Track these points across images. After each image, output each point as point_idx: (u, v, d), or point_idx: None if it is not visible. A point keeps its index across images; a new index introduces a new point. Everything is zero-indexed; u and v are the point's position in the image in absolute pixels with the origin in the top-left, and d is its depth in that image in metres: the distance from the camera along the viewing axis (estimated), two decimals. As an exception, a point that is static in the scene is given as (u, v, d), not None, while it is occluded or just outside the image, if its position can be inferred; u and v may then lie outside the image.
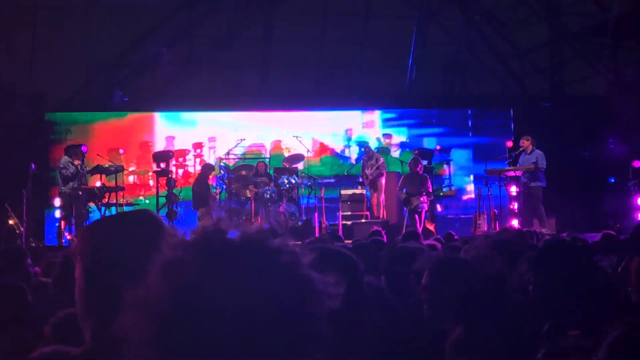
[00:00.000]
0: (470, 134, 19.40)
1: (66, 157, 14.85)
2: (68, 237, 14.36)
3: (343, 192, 16.72)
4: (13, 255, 5.05)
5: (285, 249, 1.33)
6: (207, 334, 1.22)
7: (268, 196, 15.73)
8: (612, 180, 17.42)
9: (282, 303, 1.26)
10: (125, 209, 16.05)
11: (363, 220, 15.70)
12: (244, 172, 16.72)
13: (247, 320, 1.22)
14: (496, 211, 15.48)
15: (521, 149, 15.20)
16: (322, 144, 18.90)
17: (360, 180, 17.00)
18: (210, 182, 16.07)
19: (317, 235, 14.60)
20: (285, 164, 17.10)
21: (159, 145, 18.13)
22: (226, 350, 1.21)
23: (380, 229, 11.14)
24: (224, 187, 16.21)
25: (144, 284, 1.27)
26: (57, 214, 15.12)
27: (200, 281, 1.24)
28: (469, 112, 19.66)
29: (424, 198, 14.88)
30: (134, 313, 1.26)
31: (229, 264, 1.27)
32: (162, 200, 16.01)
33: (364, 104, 19.34)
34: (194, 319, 1.22)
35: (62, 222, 14.63)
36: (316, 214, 15.76)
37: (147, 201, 17.82)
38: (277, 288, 1.26)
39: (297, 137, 17.32)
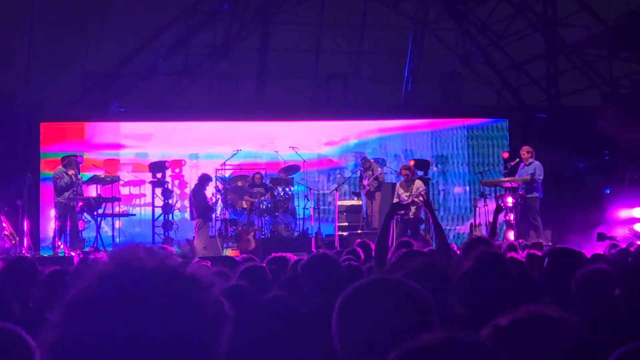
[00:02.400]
0: (466, 144, 19.39)
1: (61, 167, 14.80)
2: (63, 248, 14.31)
3: (340, 203, 16.70)
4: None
5: (201, 278, 1.33)
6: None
7: (264, 207, 15.71)
8: (608, 192, 17.44)
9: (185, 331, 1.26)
10: (121, 219, 16.03)
11: (359, 231, 15.68)
12: (240, 183, 16.70)
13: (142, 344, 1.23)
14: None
15: (518, 160, 15.21)
16: (318, 155, 18.88)
17: (357, 191, 16.98)
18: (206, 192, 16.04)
19: (313, 246, 14.59)
20: (282, 175, 17.09)
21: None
22: None
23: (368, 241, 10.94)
24: (221, 197, 16.19)
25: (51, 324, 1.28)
26: (52, 224, 15.07)
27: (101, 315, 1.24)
28: (465, 122, 19.67)
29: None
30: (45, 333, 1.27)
31: (142, 291, 1.27)
32: (158, 210, 15.99)
33: (360, 114, 19.34)
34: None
35: (58, 233, 14.57)
36: (312, 225, 15.74)
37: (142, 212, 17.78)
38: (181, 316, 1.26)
39: (293, 147, 17.32)
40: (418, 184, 15.00)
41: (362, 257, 7.38)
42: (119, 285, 1.27)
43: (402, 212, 14.33)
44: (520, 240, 12.20)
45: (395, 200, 15.01)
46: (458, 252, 7.87)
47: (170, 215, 16.03)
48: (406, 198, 14.75)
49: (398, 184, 15.33)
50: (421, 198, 14.88)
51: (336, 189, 16.74)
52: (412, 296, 1.99)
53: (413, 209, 14.75)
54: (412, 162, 16.57)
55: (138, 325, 1.23)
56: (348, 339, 1.93)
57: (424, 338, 1.39)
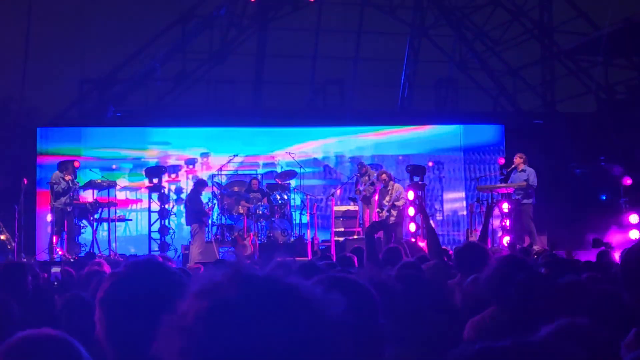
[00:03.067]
0: (462, 150, 19.42)
1: (58, 172, 14.80)
2: (60, 253, 14.31)
3: (336, 208, 16.71)
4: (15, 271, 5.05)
5: (315, 292, 1.35)
6: None
7: (260, 212, 15.73)
8: (604, 198, 17.46)
9: (310, 346, 1.28)
10: (117, 224, 16.03)
11: (355, 237, 15.69)
12: (236, 188, 16.71)
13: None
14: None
15: (513, 166, 15.24)
16: (315, 160, 18.90)
17: (354, 196, 17.00)
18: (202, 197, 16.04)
19: (309, 251, 14.62)
20: (278, 181, 17.10)
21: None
22: None
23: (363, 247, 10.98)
24: (217, 202, 16.20)
25: (180, 311, 1.31)
26: (49, 229, 15.06)
27: (234, 315, 1.27)
28: (461, 128, 19.71)
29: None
30: (170, 337, 1.29)
31: (265, 304, 1.29)
32: (155, 215, 15.99)
33: (357, 120, 19.37)
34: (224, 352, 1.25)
35: (54, 237, 14.57)
36: (309, 230, 15.76)
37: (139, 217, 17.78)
38: (304, 331, 1.28)
39: (289, 153, 17.35)
40: (396, 187, 15.04)
41: (356, 264, 7.33)
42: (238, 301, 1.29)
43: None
44: (517, 246, 12.23)
45: (377, 210, 15.07)
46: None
47: (166, 221, 16.02)
48: (387, 204, 14.79)
49: (378, 192, 15.37)
50: (402, 202, 14.93)
51: (332, 195, 16.75)
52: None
53: (395, 213, 14.75)
54: (408, 168, 16.62)
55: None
56: None
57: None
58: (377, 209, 15.15)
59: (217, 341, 1.25)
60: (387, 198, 14.87)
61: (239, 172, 18.04)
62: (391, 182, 15.12)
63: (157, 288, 2.04)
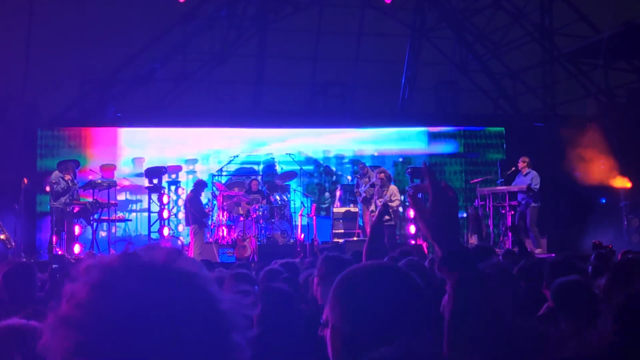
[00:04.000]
0: (462, 152, 19.44)
1: (57, 172, 14.80)
2: (59, 253, 14.30)
3: (336, 209, 16.72)
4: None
5: (200, 272, 1.35)
6: (118, 352, 1.24)
7: (260, 213, 15.73)
8: (604, 201, 17.48)
9: (195, 327, 1.28)
10: (117, 224, 16.03)
11: (355, 238, 15.69)
12: (236, 189, 16.72)
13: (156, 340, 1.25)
14: (489, 229, 15.51)
15: (515, 169, 15.26)
16: (315, 162, 18.91)
17: (354, 198, 17.00)
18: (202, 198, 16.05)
19: (308, 253, 14.61)
20: (278, 182, 17.11)
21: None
22: None
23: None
24: (217, 203, 16.21)
25: (68, 302, 1.29)
26: (49, 229, 15.05)
27: (122, 301, 1.26)
28: (462, 130, 19.73)
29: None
30: (58, 327, 1.28)
31: (147, 287, 1.29)
32: (154, 216, 15.99)
33: (357, 122, 19.37)
34: (112, 337, 1.24)
35: (54, 238, 14.56)
36: (308, 232, 15.76)
37: (138, 217, 17.79)
38: (189, 310, 1.29)
39: (289, 154, 17.36)
40: (392, 189, 15.01)
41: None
42: (125, 278, 1.29)
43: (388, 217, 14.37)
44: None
45: (372, 209, 15.06)
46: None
47: (166, 221, 16.03)
48: (379, 204, 14.74)
49: (374, 191, 15.35)
50: (396, 202, 14.89)
51: (332, 196, 16.75)
52: (407, 281, 2.01)
53: (388, 216, 14.65)
54: (408, 170, 16.63)
55: (140, 322, 1.25)
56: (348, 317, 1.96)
57: None
58: (372, 209, 15.12)
59: (103, 313, 1.25)
60: (381, 199, 14.80)
61: (239, 174, 18.03)
62: (388, 183, 15.10)
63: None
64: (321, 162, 18.91)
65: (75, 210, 14.88)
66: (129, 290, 1.27)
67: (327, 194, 17.78)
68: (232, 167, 17.91)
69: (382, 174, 15.23)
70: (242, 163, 18.40)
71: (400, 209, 17.34)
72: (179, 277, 1.32)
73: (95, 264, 1.33)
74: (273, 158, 18.52)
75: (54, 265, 8.91)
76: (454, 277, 1.95)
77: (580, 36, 19.21)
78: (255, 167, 18.62)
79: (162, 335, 1.25)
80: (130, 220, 17.47)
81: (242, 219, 15.62)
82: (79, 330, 1.25)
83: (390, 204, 14.72)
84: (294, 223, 16.62)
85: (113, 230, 15.93)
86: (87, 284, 1.29)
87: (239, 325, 1.34)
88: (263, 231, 15.66)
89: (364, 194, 16.20)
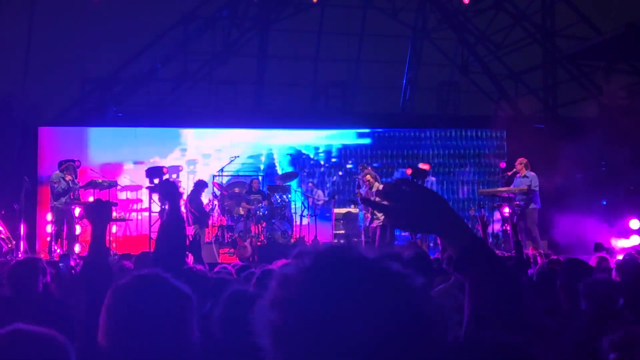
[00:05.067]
0: (463, 154, 19.42)
1: (58, 172, 14.79)
2: (59, 252, 14.27)
3: (337, 210, 16.70)
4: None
5: (409, 275, 1.40)
6: (336, 343, 1.30)
7: (261, 213, 15.71)
8: (605, 203, 17.45)
9: (406, 327, 1.33)
10: (117, 224, 16.02)
11: (355, 239, 15.68)
12: (237, 189, 16.70)
13: (367, 338, 1.30)
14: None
15: (514, 171, 15.24)
16: (316, 162, 18.90)
17: (354, 198, 16.98)
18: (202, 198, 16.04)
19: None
20: (279, 182, 17.09)
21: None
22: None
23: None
24: (217, 203, 16.20)
25: (283, 287, 1.37)
26: (49, 228, 15.03)
27: (324, 289, 1.33)
28: (463, 132, 19.71)
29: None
30: (269, 307, 1.36)
31: (367, 282, 1.35)
32: (155, 216, 15.97)
33: (359, 122, 19.36)
34: (328, 326, 1.30)
35: (54, 237, 14.54)
36: (309, 232, 15.74)
37: (139, 217, 17.78)
38: (402, 310, 1.33)
39: (290, 154, 17.35)
40: (377, 187, 14.86)
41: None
42: (335, 266, 1.36)
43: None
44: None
45: (364, 211, 15.00)
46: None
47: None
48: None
49: (364, 192, 15.27)
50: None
51: (333, 197, 16.74)
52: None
53: (381, 216, 14.44)
54: (409, 171, 16.57)
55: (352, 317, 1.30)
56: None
57: None
58: (364, 211, 15.04)
59: (314, 294, 1.32)
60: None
61: (240, 174, 18.02)
62: (376, 184, 14.89)
63: (160, 300, 2.09)
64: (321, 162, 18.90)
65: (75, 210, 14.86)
66: (338, 278, 1.34)
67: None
68: (233, 167, 17.89)
69: (368, 176, 15.02)
70: (243, 163, 18.39)
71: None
72: (387, 274, 1.37)
73: (309, 250, 1.41)
74: (273, 158, 18.51)
75: (60, 264, 8.91)
76: (470, 277, 1.83)
77: (581, 38, 19.19)
78: (256, 167, 18.62)
79: (364, 325, 1.30)
80: (131, 220, 17.47)
81: (242, 219, 15.61)
82: (289, 310, 1.33)
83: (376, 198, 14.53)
84: (294, 223, 16.61)
85: (114, 230, 15.92)
86: (300, 269, 1.37)
87: (441, 330, 1.38)
88: (263, 231, 15.65)
89: (365, 196, 16.16)
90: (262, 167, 18.68)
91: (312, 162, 18.81)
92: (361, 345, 1.29)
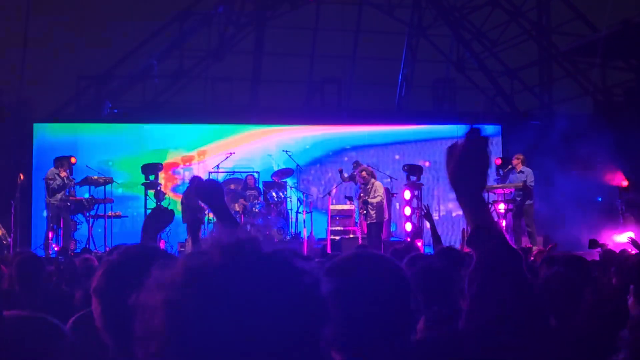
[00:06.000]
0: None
1: (53, 168, 14.76)
2: (55, 248, 14.27)
3: (332, 207, 16.70)
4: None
5: (311, 271, 1.35)
6: (217, 340, 1.24)
7: (257, 210, 15.71)
8: (600, 199, 17.50)
9: (296, 323, 1.28)
10: (113, 221, 16.01)
11: (351, 236, 15.69)
12: (233, 186, 16.69)
13: (258, 333, 1.25)
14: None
15: (510, 167, 15.26)
16: (312, 159, 18.90)
17: (350, 195, 16.98)
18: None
19: (305, 250, 14.59)
20: (275, 178, 17.08)
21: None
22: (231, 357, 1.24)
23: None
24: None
25: (167, 283, 1.31)
26: (44, 225, 15.02)
27: (225, 287, 1.27)
28: (458, 128, 19.73)
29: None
30: (154, 309, 1.30)
31: (257, 276, 1.29)
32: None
33: (354, 119, 19.37)
34: (210, 322, 1.25)
35: (50, 234, 14.54)
36: (305, 229, 15.74)
37: (135, 213, 17.76)
38: (294, 307, 1.29)
39: (286, 151, 17.33)
40: (376, 185, 14.86)
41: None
42: (234, 269, 1.30)
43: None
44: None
45: (360, 208, 14.95)
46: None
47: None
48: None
49: (361, 189, 15.27)
50: (377, 199, 14.62)
51: (329, 194, 16.73)
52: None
53: (372, 212, 14.48)
54: (405, 167, 16.58)
55: (245, 312, 1.25)
56: None
57: None
58: (360, 208, 15.01)
59: (201, 328, 1.25)
60: (365, 196, 14.66)
61: (235, 170, 18.00)
62: (372, 180, 14.87)
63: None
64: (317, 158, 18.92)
65: (71, 207, 14.85)
66: (227, 275, 1.29)
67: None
68: (229, 164, 17.86)
69: (364, 172, 15.00)
70: (239, 160, 18.36)
71: (397, 205, 17.36)
72: (276, 264, 1.33)
73: (194, 252, 1.36)
74: (270, 155, 18.50)
75: (60, 257, 8.93)
76: (478, 253, 1.94)
77: (577, 34, 19.23)
78: (252, 164, 18.60)
79: (257, 317, 1.26)
80: (127, 216, 17.45)
81: (238, 215, 15.61)
82: (175, 313, 1.27)
83: (371, 200, 14.46)
84: (291, 219, 16.61)
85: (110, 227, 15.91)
86: (185, 268, 1.32)
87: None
88: (259, 228, 15.63)
89: (359, 191, 16.17)
90: (257, 163, 18.66)
91: (307, 158, 18.80)
92: (255, 343, 1.25)
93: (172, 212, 3.82)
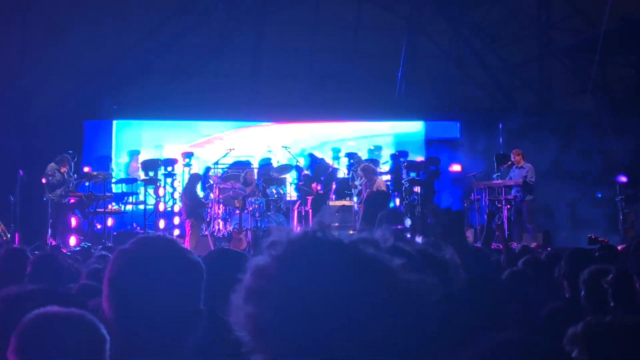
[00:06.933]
0: (458, 147, 19.42)
1: (53, 164, 14.75)
2: (53, 244, 14.25)
3: (332, 203, 16.69)
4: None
5: (384, 256, 1.38)
6: (315, 331, 1.29)
7: (256, 206, 15.71)
8: (599, 195, 17.50)
9: (390, 311, 1.31)
10: (113, 216, 16.00)
11: (351, 232, 15.65)
12: (232, 182, 16.69)
13: (354, 322, 1.29)
14: (484, 224, 15.48)
15: (510, 163, 15.25)
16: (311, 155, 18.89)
17: (350, 191, 16.97)
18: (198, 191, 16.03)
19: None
20: (274, 174, 17.08)
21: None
22: (330, 349, 1.28)
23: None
24: (212, 196, 16.19)
25: (257, 277, 1.35)
26: (44, 221, 14.98)
27: (299, 277, 1.32)
28: (458, 125, 19.73)
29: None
30: (248, 304, 1.34)
31: (343, 266, 1.33)
32: (150, 209, 15.96)
33: (354, 115, 19.35)
34: (306, 314, 1.29)
35: (49, 230, 14.51)
36: (304, 224, 15.73)
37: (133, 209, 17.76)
38: (384, 294, 1.32)
39: (286, 147, 17.33)
40: (378, 182, 14.94)
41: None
42: (311, 252, 1.35)
43: None
44: (514, 244, 12.23)
45: (358, 203, 15.00)
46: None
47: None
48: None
49: (362, 186, 15.29)
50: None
51: (329, 190, 16.73)
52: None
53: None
54: (405, 164, 16.60)
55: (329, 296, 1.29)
56: None
57: None
58: (358, 203, 15.06)
59: (292, 283, 1.31)
60: (368, 192, 14.79)
61: (235, 166, 18.00)
62: (374, 177, 14.97)
63: (168, 265, 2.00)
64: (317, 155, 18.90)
65: (70, 202, 14.84)
66: (312, 264, 1.33)
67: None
68: (228, 160, 17.87)
69: (367, 169, 15.12)
70: (238, 156, 18.37)
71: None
72: (363, 258, 1.35)
73: (281, 239, 1.39)
74: (269, 151, 18.50)
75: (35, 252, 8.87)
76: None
77: (577, 31, 19.21)
78: (251, 160, 18.61)
79: (342, 310, 1.28)
80: (126, 212, 17.45)
81: (237, 211, 15.61)
82: (264, 300, 1.31)
83: None
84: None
85: (109, 223, 15.89)
86: (273, 257, 1.36)
87: (422, 312, 1.36)
88: (259, 224, 15.64)
89: (359, 187, 16.18)
90: (257, 159, 18.67)
91: (307, 154, 18.78)
92: (341, 331, 1.28)
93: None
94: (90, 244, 14.14)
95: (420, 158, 17.72)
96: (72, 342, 2.00)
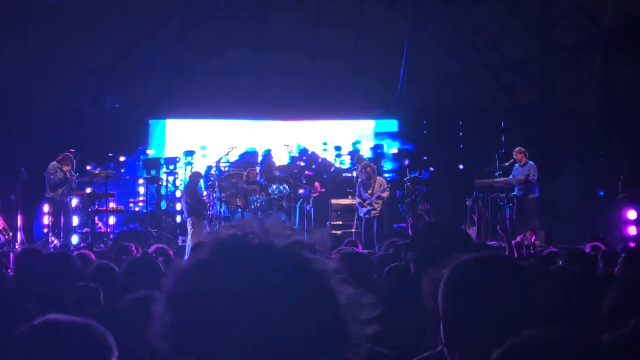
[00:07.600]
0: (460, 145, 19.41)
1: (55, 162, 14.72)
2: (56, 243, 14.26)
3: (334, 201, 16.69)
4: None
5: (317, 259, 1.32)
6: (221, 334, 1.23)
7: (258, 204, 15.70)
8: (602, 193, 17.47)
9: (305, 312, 1.26)
10: (115, 215, 16.01)
11: (353, 230, 15.68)
12: (234, 180, 16.68)
13: (264, 324, 1.23)
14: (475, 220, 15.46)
15: (512, 161, 15.23)
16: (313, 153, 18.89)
17: (352, 190, 16.96)
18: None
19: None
20: (276, 173, 17.07)
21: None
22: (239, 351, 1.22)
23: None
24: (214, 194, 16.19)
25: (178, 282, 1.29)
26: (46, 220, 15.00)
27: (224, 281, 1.25)
28: (460, 123, 19.71)
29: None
30: (160, 308, 1.29)
31: (256, 267, 1.27)
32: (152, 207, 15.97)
33: (356, 113, 19.34)
34: (212, 318, 1.23)
35: (51, 228, 14.51)
36: (306, 223, 15.74)
37: (136, 208, 17.77)
38: (303, 295, 1.26)
39: (287, 145, 17.33)
40: (380, 181, 15.00)
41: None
42: (236, 256, 1.28)
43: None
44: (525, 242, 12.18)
45: (358, 200, 15.04)
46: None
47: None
48: (369, 197, 14.75)
49: (359, 183, 15.30)
50: (386, 193, 14.92)
51: (330, 188, 16.74)
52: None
53: (377, 206, 14.73)
54: (407, 162, 16.61)
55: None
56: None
57: None
58: (358, 200, 15.07)
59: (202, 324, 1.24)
60: (370, 191, 14.81)
61: (237, 165, 18.00)
62: (375, 176, 15.07)
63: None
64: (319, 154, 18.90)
65: (72, 201, 14.85)
66: (237, 269, 1.26)
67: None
68: (230, 158, 17.87)
69: (369, 168, 15.17)
70: (240, 155, 18.37)
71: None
72: (295, 261, 1.29)
73: (208, 240, 1.32)
74: (270, 150, 18.49)
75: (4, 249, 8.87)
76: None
77: (579, 29, 19.17)
78: (253, 158, 18.60)
79: (269, 317, 1.23)
80: (128, 211, 17.46)
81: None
82: (186, 307, 1.26)
83: (382, 195, 14.73)
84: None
85: (111, 222, 15.91)
86: (197, 261, 1.30)
87: (356, 320, 1.30)
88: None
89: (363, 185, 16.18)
90: (259, 158, 18.65)
91: (309, 153, 18.78)
92: (264, 338, 1.22)
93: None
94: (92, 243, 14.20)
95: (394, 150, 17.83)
96: (78, 351, 1.98)
